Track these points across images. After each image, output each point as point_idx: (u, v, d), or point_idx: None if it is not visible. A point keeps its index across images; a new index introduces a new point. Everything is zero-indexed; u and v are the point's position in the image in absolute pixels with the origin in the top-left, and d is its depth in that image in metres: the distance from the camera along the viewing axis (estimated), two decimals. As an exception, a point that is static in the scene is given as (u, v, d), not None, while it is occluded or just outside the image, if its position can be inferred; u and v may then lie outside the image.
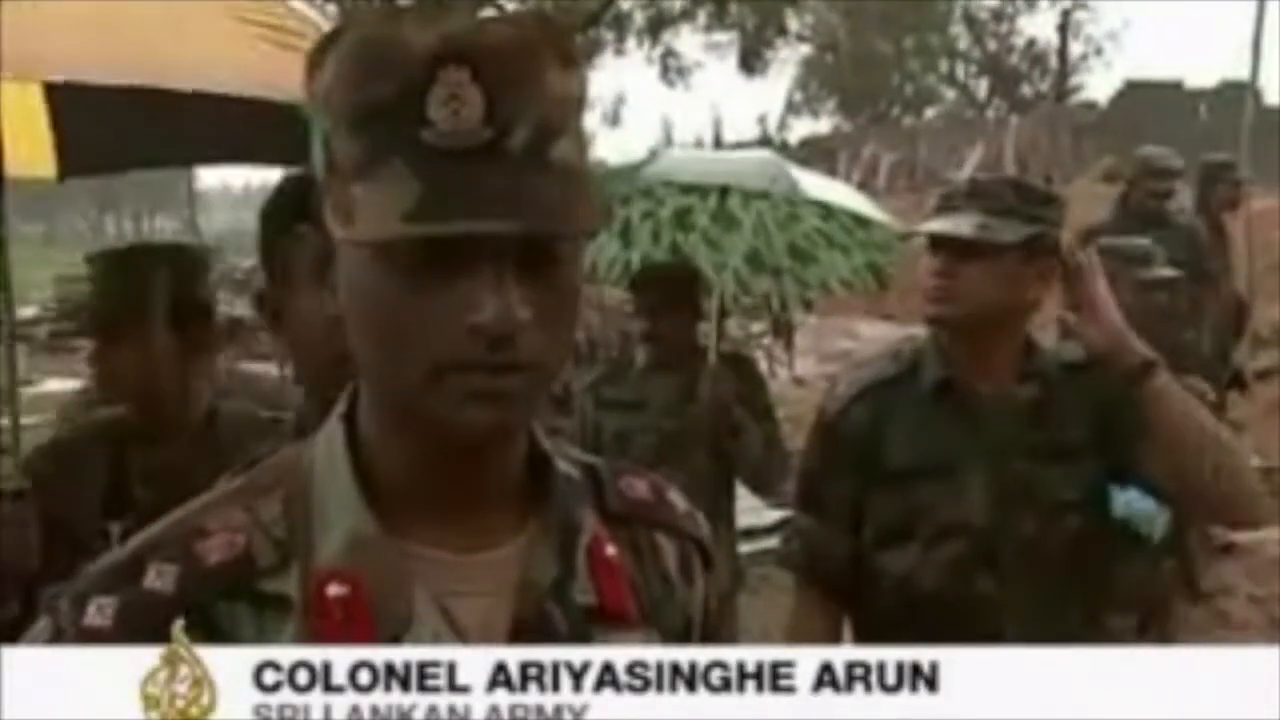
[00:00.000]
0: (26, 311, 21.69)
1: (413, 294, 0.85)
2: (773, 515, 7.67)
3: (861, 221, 4.28)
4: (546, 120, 0.85)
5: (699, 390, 3.77)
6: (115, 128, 2.80)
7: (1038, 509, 2.17)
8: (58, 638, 0.88)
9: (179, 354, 2.33)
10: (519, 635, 0.92)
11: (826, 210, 4.25)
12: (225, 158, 3.27)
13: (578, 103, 0.89)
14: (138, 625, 0.87)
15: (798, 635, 2.32)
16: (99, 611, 0.87)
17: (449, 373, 0.85)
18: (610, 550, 0.99)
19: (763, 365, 13.04)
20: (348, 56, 0.86)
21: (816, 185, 4.17)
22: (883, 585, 2.20)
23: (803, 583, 2.35)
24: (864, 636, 2.26)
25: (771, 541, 7.29)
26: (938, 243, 2.19)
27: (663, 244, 4.43)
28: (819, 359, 13.89)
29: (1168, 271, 3.99)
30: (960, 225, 2.16)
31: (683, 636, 1.04)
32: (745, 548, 6.91)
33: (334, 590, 0.89)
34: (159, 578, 0.88)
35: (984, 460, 2.17)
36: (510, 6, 16.13)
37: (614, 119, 33.30)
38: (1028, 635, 2.07)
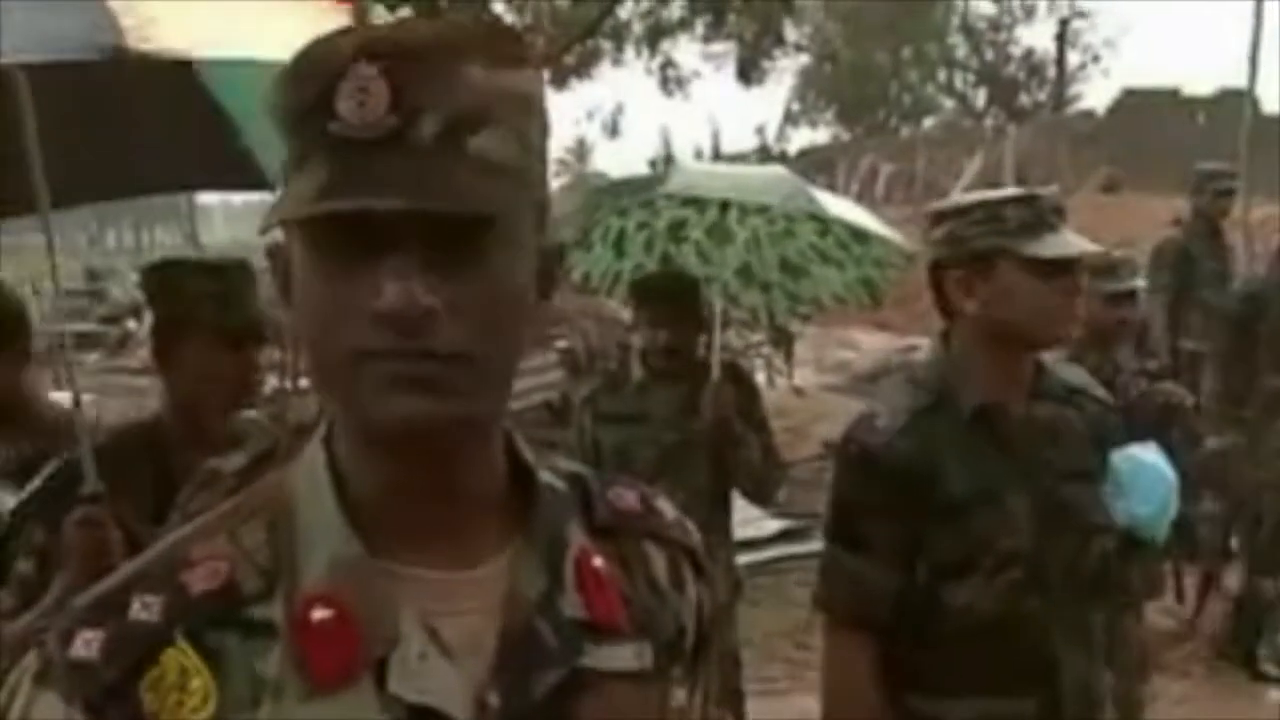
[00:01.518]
0: (26, 324, 21.71)
1: (328, 283, 0.87)
2: (773, 526, 7.68)
3: (861, 237, 4.31)
4: (462, 112, 0.86)
5: (703, 403, 3.78)
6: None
7: (1073, 527, 2.22)
8: (46, 670, 0.88)
9: (234, 367, 2.43)
10: (507, 651, 0.92)
11: (823, 226, 4.29)
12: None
13: (512, 99, 0.89)
14: (124, 657, 0.87)
15: (846, 679, 2.23)
16: (85, 645, 0.87)
17: (366, 360, 0.86)
18: (598, 562, 0.98)
19: (762, 375, 13.08)
20: (288, 67, 0.89)
21: (828, 202, 4.22)
22: (942, 617, 2.17)
23: (845, 625, 2.25)
24: (913, 670, 2.20)
25: (772, 552, 7.31)
26: (1062, 264, 2.18)
27: (655, 255, 4.45)
28: (818, 369, 13.90)
29: (1134, 283, 4.07)
30: (1088, 244, 2.24)
31: (676, 645, 1.03)
32: (746, 558, 6.93)
33: (319, 614, 0.89)
34: (144, 609, 0.88)
35: (1027, 482, 2.19)
36: (510, 17, 16.15)
37: (612, 128, 33.36)
38: (1073, 652, 2.17)
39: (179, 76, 2.86)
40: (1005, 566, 2.15)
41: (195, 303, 2.40)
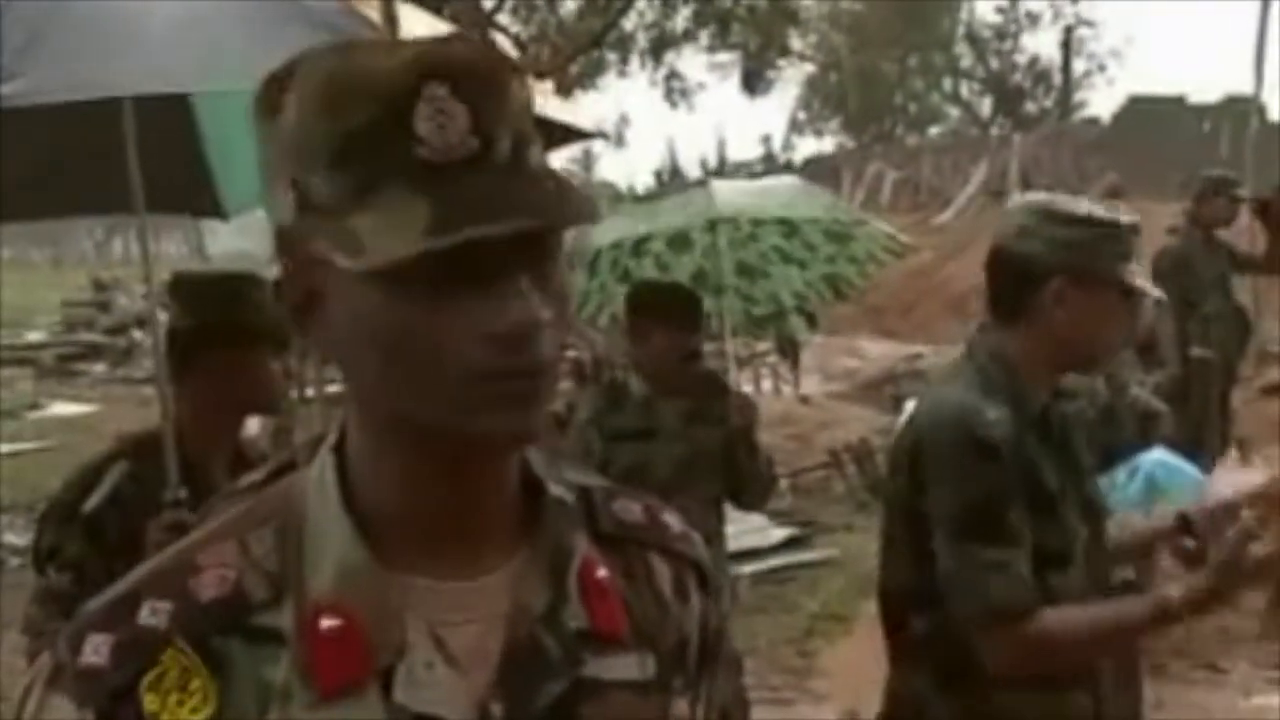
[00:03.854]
0: (34, 336, 21.78)
1: (434, 311, 0.86)
2: (778, 534, 7.68)
3: (837, 236, 4.35)
4: (520, 129, 0.88)
5: (729, 411, 3.81)
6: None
7: (1099, 519, 2.29)
8: (58, 674, 0.89)
9: (264, 374, 2.48)
10: (511, 662, 0.93)
11: (790, 228, 4.33)
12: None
13: (532, 113, 0.91)
14: (132, 662, 0.88)
15: (1050, 654, 2.13)
16: (95, 650, 0.88)
17: (475, 383, 0.86)
18: (602, 573, 0.99)
19: (768, 384, 13.09)
20: (317, 92, 0.87)
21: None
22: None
23: (1013, 621, 2.09)
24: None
25: (776, 561, 7.31)
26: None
27: (618, 272, 4.49)
28: (824, 377, 13.91)
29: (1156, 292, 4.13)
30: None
31: (679, 656, 1.04)
32: (751, 567, 6.94)
33: (326, 622, 0.90)
34: (153, 615, 0.89)
35: (1073, 476, 2.24)
36: (516, 28, 16.19)
37: (618, 140, 33.41)
38: None
39: (172, 102, 2.88)
40: (1085, 557, 2.20)
41: (231, 311, 2.44)
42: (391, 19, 2.42)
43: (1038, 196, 2.41)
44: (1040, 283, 2.19)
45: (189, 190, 3.14)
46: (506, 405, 0.87)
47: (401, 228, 0.83)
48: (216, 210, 3.26)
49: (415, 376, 0.87)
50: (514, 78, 0.89)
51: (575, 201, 0.88)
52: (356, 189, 0.85)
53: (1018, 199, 2.39)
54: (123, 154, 2.44)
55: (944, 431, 2.16)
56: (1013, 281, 2.23)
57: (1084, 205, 2.27)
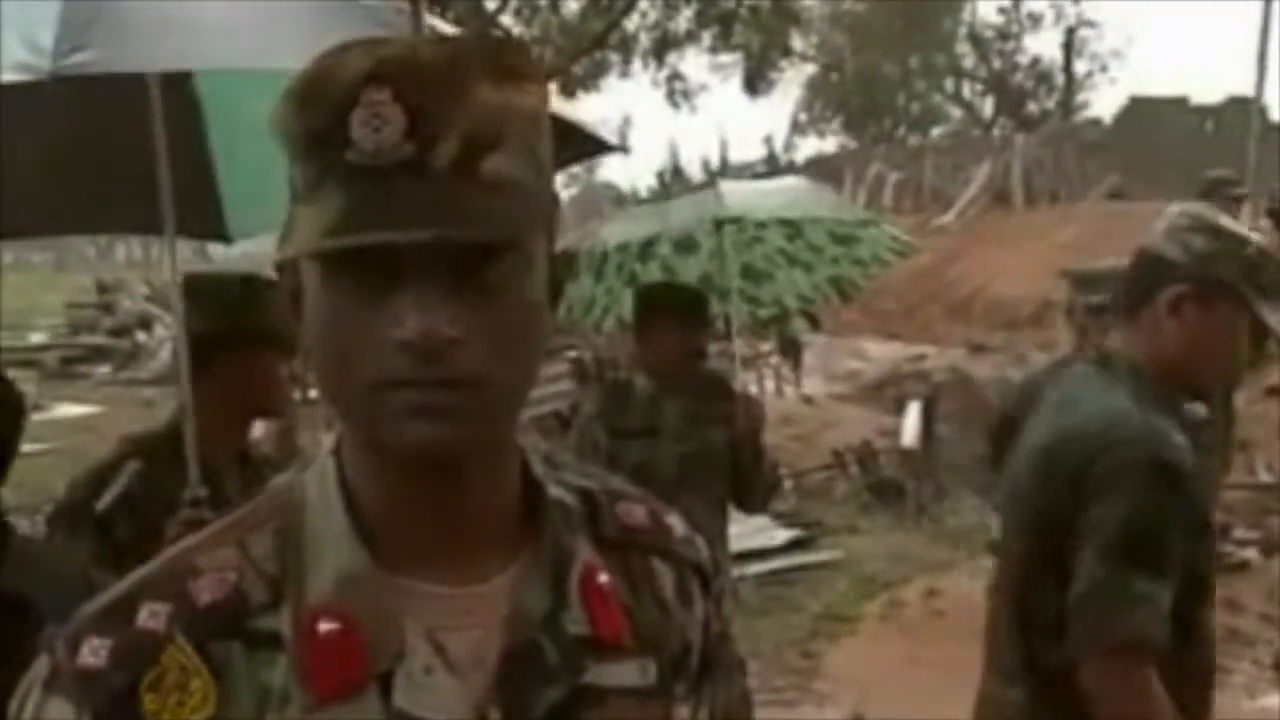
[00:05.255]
0: (37, 338, 21.81)
1: (348, 312, 0.87)
2: (782, 535, 7.68)
3: (842, 238, 4.36)
4: (476, 134, 0.86)
5: (733, 414, 3.81)
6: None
7: None
8: (56, 676, 0.89)
9: (277, 376, 2.52)
10: (510, 667, 0.92)
11: (794, 229, 4.35)
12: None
13: (522, 116, 0.89)
14: (132, 665, 0.87)
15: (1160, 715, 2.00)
16: (93, 652, 0.88)
17: (385, 390, 0.86)
18: (603, 578, 0.99)
19: (771, 384, 13.10)
20: (292, 89, 0.88)
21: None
22: (1202, 640, 2.10)
23: (1146, 657, 1.99)
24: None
25: (781, 562, 7.31)
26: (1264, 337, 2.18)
27: (624, 276, 4.49)
28: (827, 378, 13.92)
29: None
30: None
31: (681, 662, 1.03)
32: (756, 568, 6.94)
33: (325, 626, 0.89)
34: (151, 617, 0.89)
35: None
36: (519, 29, 16.19)
37: (621, 141, 33.36)
38: None
39: (184, 119, 2.88)
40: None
41: (245, 314, 2.46)
42: (418, 15, 2.43)
43: (1200, 206, 2.33)
44: (1162, 286, 2.10)
45: (195, 211, 3.13)
46: (412, 417, 0.86)
47: (312, 224, 0.85)
48: (220, 233, 3.24)
49: (336, 377, 0.89)
50: (485, 80, 0.86)
51: (506, 217, 0.86)
52: (307, 184, 0.88)
53: (1175, 207, 2.23)
54: (136, 170, 2.47)
55: (1127, 449, 2.02)
56: (1142, 280, 2.15)
57: (1242, 226, 2.18)
